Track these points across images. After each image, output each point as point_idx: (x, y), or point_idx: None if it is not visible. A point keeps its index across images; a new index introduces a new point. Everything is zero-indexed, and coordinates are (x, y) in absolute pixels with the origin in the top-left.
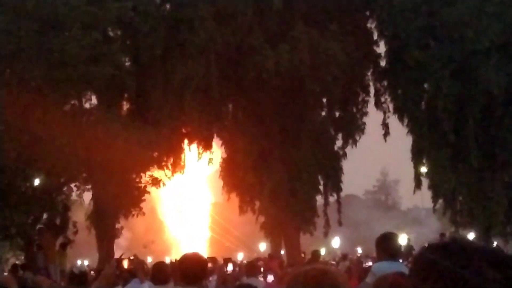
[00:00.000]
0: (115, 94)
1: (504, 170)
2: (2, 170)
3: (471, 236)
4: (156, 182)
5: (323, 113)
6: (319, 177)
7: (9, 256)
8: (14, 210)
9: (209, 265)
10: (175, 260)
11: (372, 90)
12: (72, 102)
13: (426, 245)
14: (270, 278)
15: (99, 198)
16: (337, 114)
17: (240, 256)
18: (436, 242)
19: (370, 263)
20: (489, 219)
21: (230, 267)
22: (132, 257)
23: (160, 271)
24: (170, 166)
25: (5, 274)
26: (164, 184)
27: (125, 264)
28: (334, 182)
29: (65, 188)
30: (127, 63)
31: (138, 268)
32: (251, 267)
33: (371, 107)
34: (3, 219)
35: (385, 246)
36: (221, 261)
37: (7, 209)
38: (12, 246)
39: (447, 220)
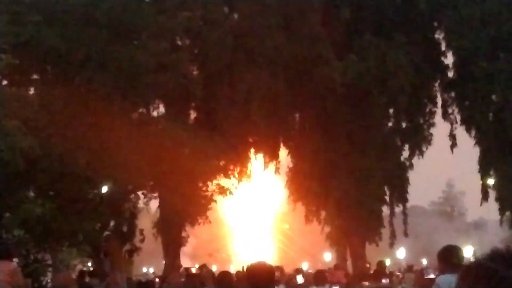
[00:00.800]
0: (182, 102)
1: None
2: (71, 178)
3: None
4: (222, 190)
5: (390, 124)
6: (385, 188)
7: (76, 262)
8: (82, 217)
9: (276, 274)
10: (242, 268)
11: (439, 101)
12: (140, 110)
13: (484, 254)
14: None
15: (166, 206)
16: (404, 124)
17: (305, 266)
18: (493, 251)
19: (432, 275)
20: None
21: (300, 279)
22: (200, 266)
23: (225, 280)
24: (236, 175)
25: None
26: (231, 192)
27: (193, 270)
28: (400, 192)
29: (132, 196)
30: (195, 72)
31: (207, 276)
32: (319, 276)
33: (438, 118)
34: (71, 225)
35: (448, 258)
36: (287, 270)
37: (75, 216)
38: (79, 253)
39: None
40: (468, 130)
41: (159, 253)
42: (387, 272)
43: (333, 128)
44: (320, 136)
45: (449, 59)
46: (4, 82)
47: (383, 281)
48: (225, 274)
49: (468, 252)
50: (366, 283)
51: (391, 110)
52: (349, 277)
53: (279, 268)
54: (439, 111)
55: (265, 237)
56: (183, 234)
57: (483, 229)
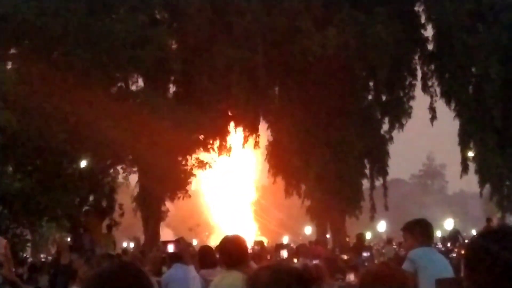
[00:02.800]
0: (161, 77)
1: None
2: (49, 152)
3: None
4: (202, 164)
5: (370, 97)
6: (365, 161)
7: (55, 237)
8: (61, 192)
9: (255, 247)
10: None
11: (419, 74)
12: (119, 84)
13: (477, 233)
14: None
15: (145, 181)
16: (383, 97)
17: (285, 240)
18: (485, 230)
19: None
20: None
21: (284, 254)
22: (177, 239)
23: (207, 255)
24: (216, 149)
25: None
26: (210, 166)
27: (171, 247)
28: (380, 166)
29: (111, 170)
30: (174, 46)
31: (184, 251)
32: (302, 250)
33: (418, 91)
34: (50, 200)
35: (419, 232)
36: (268, 245)
37: (54, 190)
38: (59, 228)
39: (493, 205)
40: (448, 103)
41: (139, 228)
42: (367, 246)
43: (313, 101)
44: (300, 110)
45: (429, 32)
46: None
47: (364, 254)
48: (206, 249)
49: (449, 225)
50: (345, 257)
51: (371, 83)
52: (328, 251)
53: (260, 243)
54: (418, 84)
55: (245, 211)
56: (163, 208)
57: (463, 202)
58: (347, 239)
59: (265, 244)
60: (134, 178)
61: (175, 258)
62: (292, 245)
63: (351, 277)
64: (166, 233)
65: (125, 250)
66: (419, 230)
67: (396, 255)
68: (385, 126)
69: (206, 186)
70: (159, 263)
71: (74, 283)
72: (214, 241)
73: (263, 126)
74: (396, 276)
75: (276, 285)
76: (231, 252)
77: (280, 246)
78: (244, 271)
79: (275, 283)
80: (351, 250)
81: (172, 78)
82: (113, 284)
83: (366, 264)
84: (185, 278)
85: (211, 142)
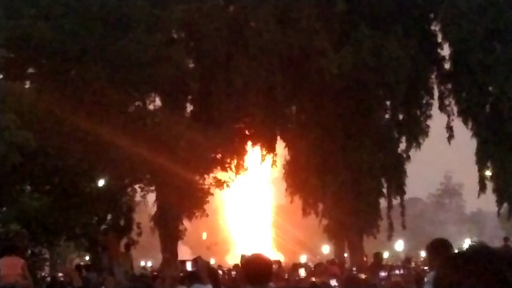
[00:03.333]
0: (178, 96)
1: None
2: (67, 171)
3: None
4: (219, 183)
5: (387, 116)
6: (383, 180)
7: (73, 256)
8: (79, 211)
9: (274, 267)
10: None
11: (436, 93)
12: (136, 103)
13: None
14: (333, 282)
15: (163, 200)
16: (400, 116)
17: (303, 259)
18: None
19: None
20: None
21: (302, 272)
22: (195, 258)
23: (212, 275)
24: (233, 168)
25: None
26: (227, 185)
27: (189, 265)
28: (398, 185)
29: (129, 190)
30: (191, 65)
31: (202, 269)
32: (320, 268)
33: (435, 110)
34: (68, 219)
35: (440, 253)
36: (285, 264)
37: (72, 210)
38: (77, 247)
39: (511, 224)
40: (465, 122)
41: (157, 246)
42: (385, 265)
43: (330, 120)
44: (317, 129)
45: (445, 51)
46: (0, 76)
47: (381, 273)
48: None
49: (466, 244)
50: (363, 276)
51: (387, 102)
52: (345, 270)
53: (277, 262)
54: (435, 103)
55: (263, 230)
56: (181, 227)
57: (481, 221)
58: (365, 259)
59: (282, 263)
60: (152, 197)
61: (193, 277)
62: (309, 264)
63: None
64: (184, 252)
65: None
66: (436, 250)
67: (416, 275)
68: (402, 145)
69: (224, 205)
70: (178, 282)
71: None
72: (231, 260)
73: (280, 145)
74: None
75: None
76: (256, 270)
77: (298, 265)
78: None
79: None
80: (369, 269)
81: (189, 97)
82: None
83: (383, 283)
84: None
85: (228, 161)
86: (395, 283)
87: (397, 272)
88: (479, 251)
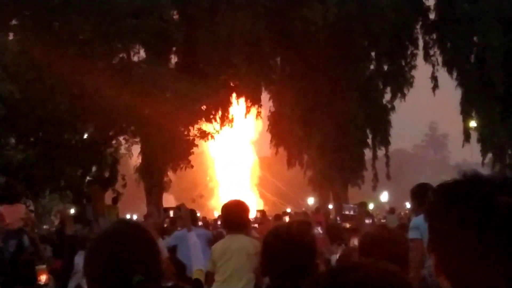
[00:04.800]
0: (163, 47)
1: None
2: (51, 123)
3: None
4: (204, 135)
5: (372, 67)
6: (367, 131)
7: (58, 208)
8: (63, 163)
9: (257, 215)
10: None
11: (421, 43)
12: (121, 55)
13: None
14: (318, 230)
15: (148, 151)
16: (385, 67)
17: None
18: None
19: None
20: None
21: (287, 219)
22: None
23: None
24: (218, 119)
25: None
26: (212, 137)
27: (172, 213)
28: (383, 136)
29: (114, 141)
30: (175, 16)
31: (185, 216)
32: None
33: (419, 60)
34: (53, 171)
35: (424, 196)
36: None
37: (57, 161)
38: (62, 199)
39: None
40: (449, 72)
41: (142, 200)
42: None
43: (315, 71)
44: (301, 80)
45: (430, 1)
46: None
47: (366, 221)
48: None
49: None
50: (348, 225)
51: (372, 53)
52: (329, 220)
53: (262, 212)
54: (420, 53)
55: (247, 183)
56: (166, 179)
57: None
58: None
59: (266, 211)
60: (136, 149)
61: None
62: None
63: (355, 241)
64: (169, 204)
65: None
66: (423, 193)
67: (400, 224)
68: (387, 96)
69: (209, 158)
70: (160, 231)
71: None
72: (217, 213)
73: (265, 97)
74: (396, 240)
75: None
76: (236, 217)
77: (279, 216)
78: (247, 235)
79: (288, 251)
80: (353, 217)
81: (174, 48)
82: (120, 242)
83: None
84: (187, 244)
85: (213, 112)
86: (379, 226)
87: (383, 221)
88: (468, 176)
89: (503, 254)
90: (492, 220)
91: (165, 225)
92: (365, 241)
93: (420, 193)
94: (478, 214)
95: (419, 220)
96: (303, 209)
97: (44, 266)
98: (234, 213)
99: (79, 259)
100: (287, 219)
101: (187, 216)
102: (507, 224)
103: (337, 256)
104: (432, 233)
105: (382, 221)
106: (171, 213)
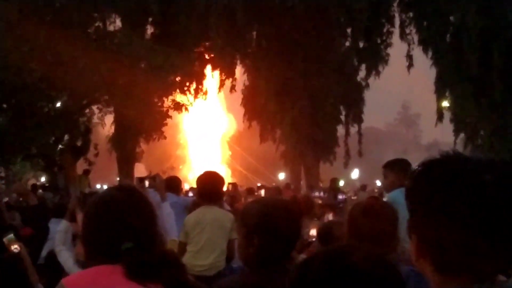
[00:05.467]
0: (139, 17)
1: None
2: (24, 90)
3: None
4: (178, 106)
5: (347, 43)
6: (341, 108)
7: (29, 176)
8: (36, 131)
9: (229, 188)
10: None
11: (397, 21)
12: (96, 24)
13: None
14: None
15: (121, 121)
16: (361, 44)
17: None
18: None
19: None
20: (511, 154)
21: (262, 193)
22: (153, 175)
23: (173, 184)
24: (192, 91)
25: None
26: (186, 109)
27: (147, 183)
28: (356, 113)
29: (87, 110)
30: None
31: (160, 186)
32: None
33: (395, 38)
34: (24, 139)
35: (400, 169)
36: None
37: (29, 129)
38: (33, 167)
39: (467, 154)
40: (425, 51)
41: (114, 170)
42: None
43: (290, 46)
44: (277, 55)
45: None
46: None
47: (339, 196)
48: (172, 179)
49: None
50: (320, 201)
51: (348, 30)
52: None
53: (233, 184)
54: (396, 31)
55: (219, 157)
56: (138, 149)
57: (437, 151)
58: (321, 184)
59: (238, 186)
60: (110, 118)
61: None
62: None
63: (329, 216)
64: (140, 174)
65: None
66: (400, 168)
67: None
68: (362, 73)
69: (182, 131)
70: None
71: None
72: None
73: (240, 71)
74: (386, 209)
75: (267, 217)
76: (211, 188)
77: (252, 190)
78: (220, 207)
79: (265, 215)
80: (325, 191)
81: (150, 19)
82: (112, 208)
83: (341, 205)
84: (161, 214)
85: (187, 84)
86: (372, 197)
87: (353, 198)
88: (452, 156)
89: (491, 233)
90: (481, 198)
91: None
92: (355, 213)
93: (399, 169)
94: (466, 192)
95: (395, 195)
96: (273, 184)
97: (11, 235)
98: (209, 184)
99: (53, 227)
100: (262, 193)
101: (162, 187)
102: (495, 203)
103: (311, 230)
104: (415, 213)
105: (353, 198)
106: (146, 183)
